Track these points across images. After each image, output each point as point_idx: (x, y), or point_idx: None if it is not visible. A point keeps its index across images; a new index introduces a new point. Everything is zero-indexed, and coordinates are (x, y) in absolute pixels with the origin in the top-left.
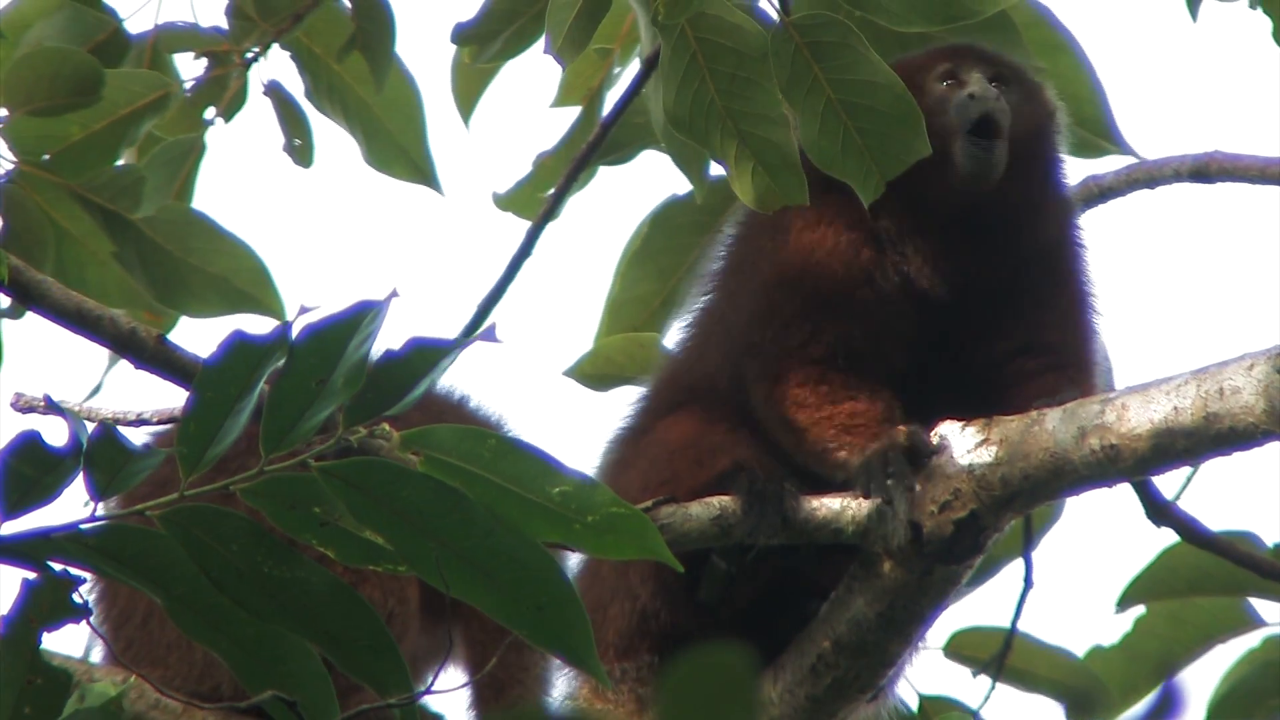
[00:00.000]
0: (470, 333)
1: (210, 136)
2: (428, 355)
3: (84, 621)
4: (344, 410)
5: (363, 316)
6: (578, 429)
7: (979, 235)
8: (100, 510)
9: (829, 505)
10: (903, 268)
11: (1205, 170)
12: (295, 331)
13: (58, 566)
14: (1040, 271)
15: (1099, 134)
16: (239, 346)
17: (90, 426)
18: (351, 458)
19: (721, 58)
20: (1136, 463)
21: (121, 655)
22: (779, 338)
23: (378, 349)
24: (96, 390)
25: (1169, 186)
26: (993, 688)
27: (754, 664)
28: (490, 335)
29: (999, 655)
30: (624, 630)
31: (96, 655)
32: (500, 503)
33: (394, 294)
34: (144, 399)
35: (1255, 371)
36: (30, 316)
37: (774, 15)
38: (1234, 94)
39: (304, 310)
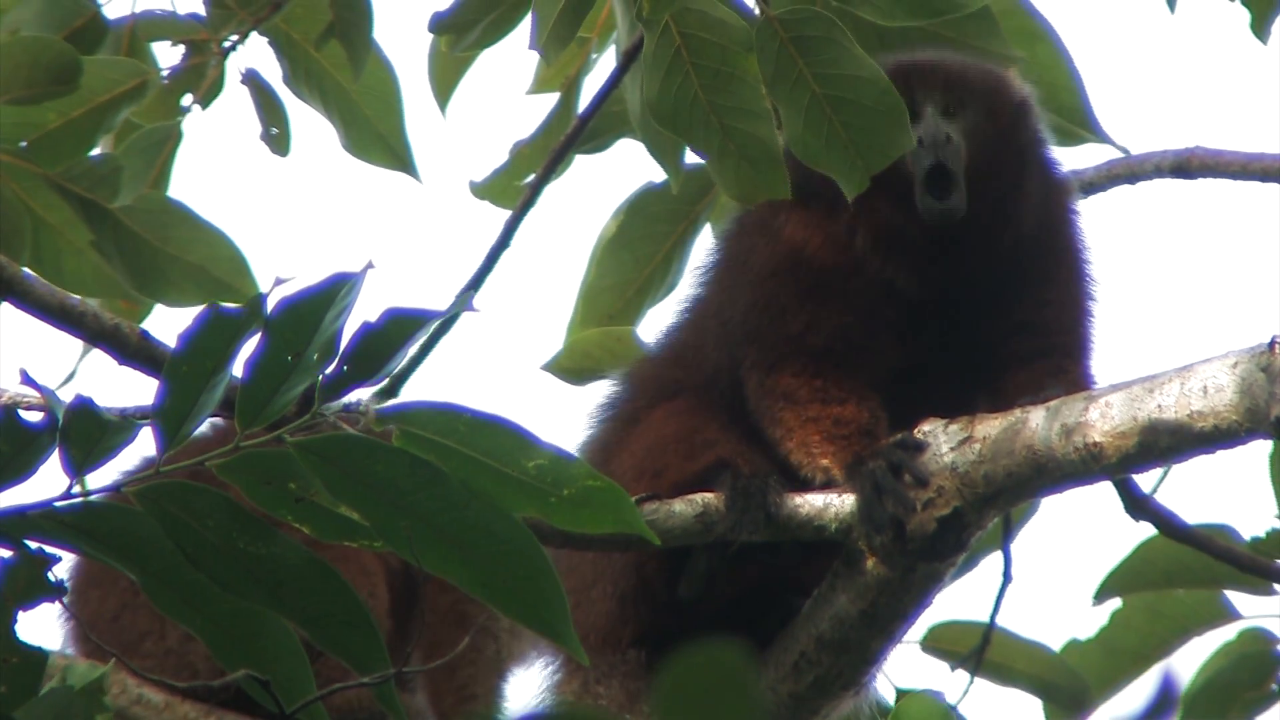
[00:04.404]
0: (445, 332)
1: (187, 124)
2: (404, 326)
3: (59, 600)
4: (319, 384)
5: (338, 289)
6: (556, 423)
7: (955, 248)
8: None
9: (812, 502)
10: (884, 275)
11: (1186, 166)
12: (270, 305)
13: (34, 544)
14: (1034, 254)
15: (1077, 123)
16: (214, 320)
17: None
18: (326, 433)
19: (706, 52)
20: (1120, 461)
21: (98, 652)
22: (776, 325)
23: (353, 322)
24: (70, 378)
25: (1150, 182)
26: (971, 682)
27: (752, 660)
28: (468, 306)
29: (977, 649)
30: (606, 614)
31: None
32: (476, 477)
33: (369, 266)
34: (120, 385)
35: (1238, 369)
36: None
37: (755, 9)
38: (1214, 85)
39: (279, 282)
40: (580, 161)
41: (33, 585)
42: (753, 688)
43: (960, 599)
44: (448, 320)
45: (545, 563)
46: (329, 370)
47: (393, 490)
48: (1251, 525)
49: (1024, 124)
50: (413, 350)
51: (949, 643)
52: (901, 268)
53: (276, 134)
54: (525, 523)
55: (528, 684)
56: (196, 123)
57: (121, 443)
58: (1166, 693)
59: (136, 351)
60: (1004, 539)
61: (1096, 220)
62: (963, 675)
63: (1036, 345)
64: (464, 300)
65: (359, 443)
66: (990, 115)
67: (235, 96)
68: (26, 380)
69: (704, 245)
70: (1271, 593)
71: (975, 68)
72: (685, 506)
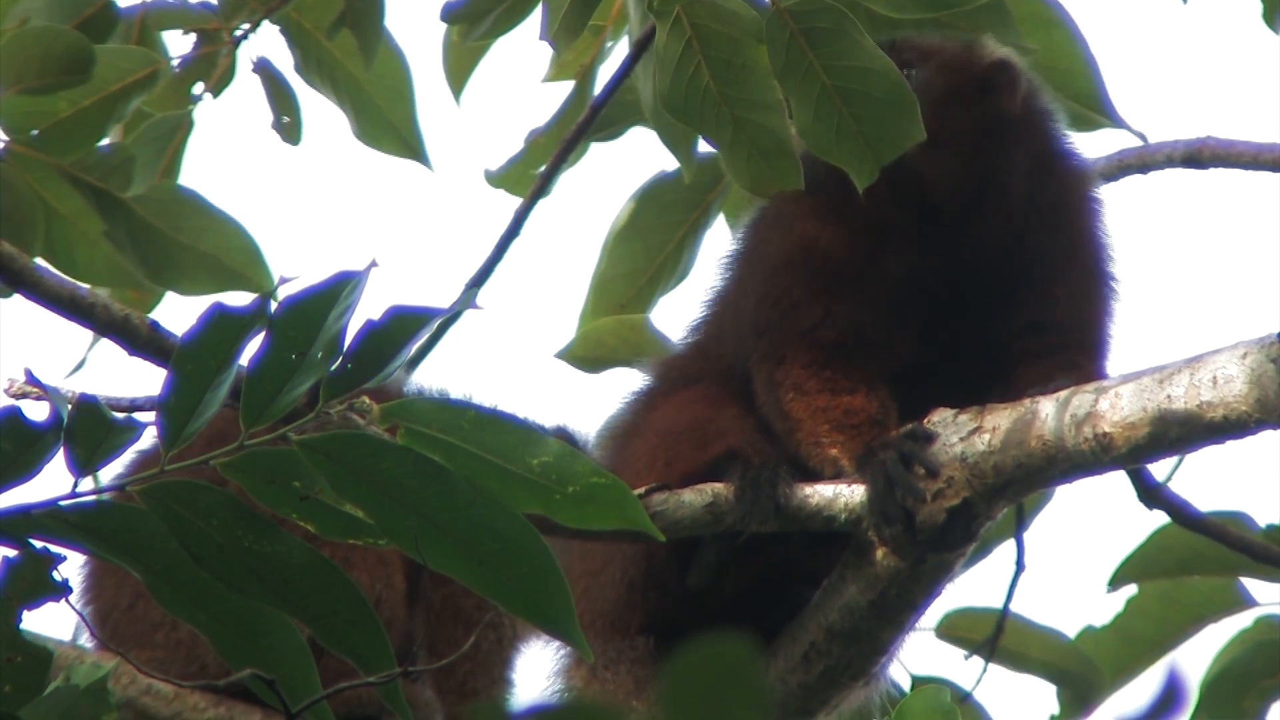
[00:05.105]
0: (451, 324)
1: (198, 113)
2: (408, 324)
3: (64, 600)
4: (323, 383)
5: (342, 288)
6: (570, 411)
7: (936, 214)
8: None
9: (822, 493)
10: (896, 259)
11: (1198, 156)
12: (275, 304)
13: (38, 544)
14: (1044, 243)
15: (1092, 108)
16: (218, 319)
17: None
18: (331, 431)
19: (717, 43)
20: (1129, 451)
21: (109, 642)
22: (789, 319)
23: (357, 320)
24: (80, 366)
25: (1161, 172)
26: (985, 669)
27: (759, 653)
28: (472, 303)
29: (992, 637)
30: (615, 600)
31: (85, 642)
32: (480, 474)
33: (373, 264)
34: (129, 375)
35: (1248, 360)
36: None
37: (765, 0)
38: (1226, 76)
39: (283, 281)
40: (594, 150)
41: (37, 584)
42: (758, 680)
43: (975, 587)
44: (453, 315)
45: (550, 559)
46: (333, 368)
47: (397, 488)
48: (1266, 513)
49: (996, 86)
50: (416, 347)
51: (964, 630)
52: (905, 249)
53: (288, 123)
54: (531, 516)
55: (536, 668)
56: (207, 112)
57: (126, 442)
58: (1173, 688)
59: (146, 343)
60: (1017, 527)
61: (1107, 209)
62: (977, 662)
63: (1049, 342)
64: (468, 298)
65: (363, 441)
66: (945, 73)
67: (246, 85)
68: (31, 380)
69: (716, 234)
70: None
71: (939, 39)
72: (695, 496)
